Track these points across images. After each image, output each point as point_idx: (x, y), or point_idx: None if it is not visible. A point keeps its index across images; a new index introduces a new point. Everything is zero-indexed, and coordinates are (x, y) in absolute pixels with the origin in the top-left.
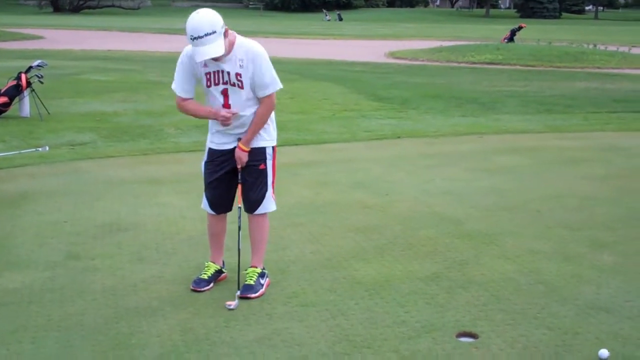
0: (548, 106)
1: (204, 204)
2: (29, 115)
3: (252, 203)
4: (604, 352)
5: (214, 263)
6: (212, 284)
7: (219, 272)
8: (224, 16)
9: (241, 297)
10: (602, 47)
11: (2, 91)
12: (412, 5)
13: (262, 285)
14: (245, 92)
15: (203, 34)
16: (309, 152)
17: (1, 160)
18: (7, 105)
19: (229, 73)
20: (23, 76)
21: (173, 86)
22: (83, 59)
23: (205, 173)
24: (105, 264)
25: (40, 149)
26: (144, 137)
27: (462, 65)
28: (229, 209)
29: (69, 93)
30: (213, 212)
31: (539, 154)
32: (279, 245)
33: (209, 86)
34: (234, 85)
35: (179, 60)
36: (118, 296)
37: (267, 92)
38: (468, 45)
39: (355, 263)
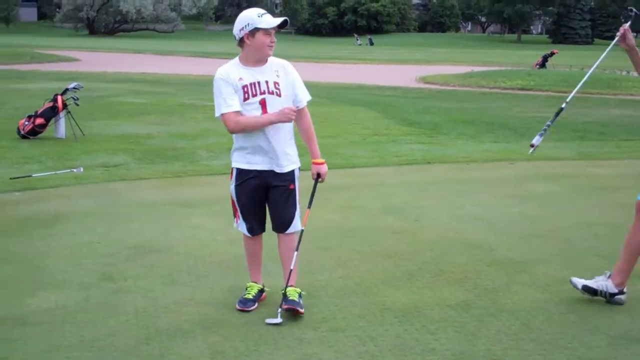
0: (581, 133)
1: (241, 227)
2: (64, 137)
3: (285, 222)
4: None
5: (255, 283)
6: (257, 304)
7: (261, 291)
8: None
9: (289, 309)
10: (635, 74)
11: (39, 112)
12: (443, 30)
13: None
14: (283, 101)
15: (264, 12)
16: (339, 176)
17: (37, 180)
18: (43, 126)
19: (267, 82)
20: (59, 98)
21: (220, 111)
22: (117, 81)
23: (240, 197)
24: (137, 285)
25: (74, 170)
26: (177, 160)
27: (493, 90)
28: (264, 229)
29: (103, 115)
30: (250, 235)
31: (571, 181)
32: (308, 270)
33: (246, 99)
34: (272, 93)
35: (218, 81)
36: (149, 318)
37: (306, 99)
38: (499, 71)
39: (385, 289)
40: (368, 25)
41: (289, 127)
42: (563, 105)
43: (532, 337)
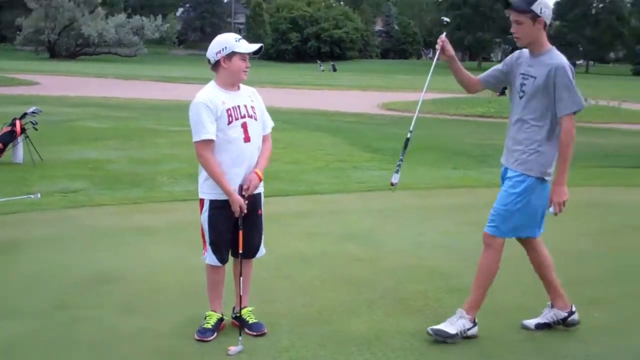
0: None
1: (211, 259)
2: (22, 162)
3: (254, 248)
4: None
5: (215, 312)
6: (216, 333)
7: (220, 320)
8: None
9: (258, 335)
10: (593, 102)
11: None
12: (405, 57)
13: None
14: (259, 125)
15: (241, 37)
16: (301, 202)
17: None
18: (1, 151)
19: (245, 106)
20: (17, 122)
21: (200, 137)
22: (78, 105)
23: (213, 227)
24: (93, 314)
25: (32, 196)
26: (137, 186)
27: (454, 117)
28: (228, 258)
29: (63, 140)
30: (220, 264)
31: None
32: (269, 297)
33: (230, 122)
34: (251, 117)
35: (199, 106)
36: (105, 348)
37: (271, 126)
38: (460, 98)
39: (346, 317)
40: (331, 52)
41: (258, 154)
42: (409, 135)
43: None
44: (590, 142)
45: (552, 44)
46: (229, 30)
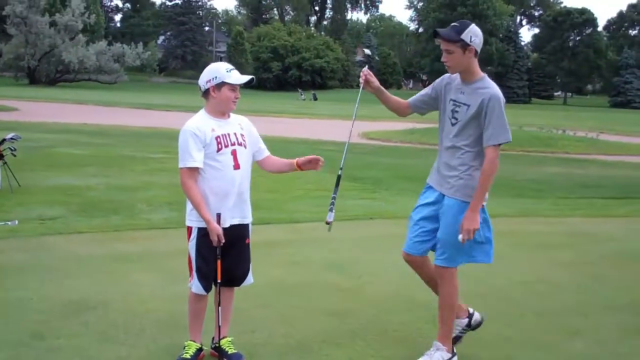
0: (518, 190)
1: (197, 288)
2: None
3: (240, 277)
4: None
5: (194, 342)
6: None
7: (199, 350)
8: (199, 93)
9: None
10: (571, 133)
11: None
12: (385, 87)
13: None
14: (248, 153)
15: (232, 68)
16: (281, 231)
17: None
18: None
19: (235, 134)
20: None
21: (182, 163)
22: (57, 131)
23: (200, 255)
24: (71, 344)
25: (9, 222)
26: (116, 213)
27: (433, 147)
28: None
29: (41, 166)
30: (205, 293)
31: (510, 238)
32: (249, 327)
33: (219, 149)
34: (240, 144)
35: (187, 134)
36: None
37: (267, 152)
38: None
39: (327, 347)
40: (312, 81)
41: (248, 182)
42: (339, 172)
43: None
44: (569, 172)
45: (530, 75)
46: (210, 59)
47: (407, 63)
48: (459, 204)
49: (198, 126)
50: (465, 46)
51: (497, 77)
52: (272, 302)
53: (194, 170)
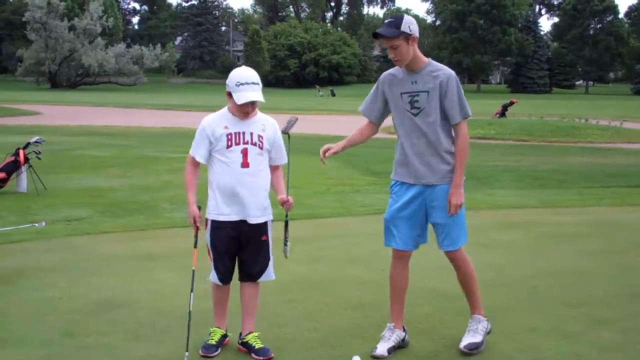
0: (542, 181)
1: (212, 277)
2: (26, 191)
3: (257, 272)
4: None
5: (219, 328)
6: (219, 349)
7: (224, 336)
8: (217, 93)
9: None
10: (594, 122)
11: (0, 167)
12: None
13: None
14: (263, 154)
15: (251, 82)
16: (304, 227)
17: None
18: (4, 180)
19: (251, 134)
20: (21, 152)
21: (192, 152)
22: (80, 134)
23: (214, 245)
24: (100, 341)
25: (36, 224)
26: (140, 213)
27: None
28: (232, 279)
29: (65, 169)
30: (220, 284)
31: (535, 229)
32: (275, 323)
33: (229, 146)
34: (254, 145)
35: (200, 128)
36: None
37: (282, 162)
38: None
39: (353, 340)
40: (329, 77)
41: (264, 179)
42: (286, 218)
43: None
44: (592, 162)
45: (551, 65)
46: (227, 58)
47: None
48: (448, 188)
49: (211, 122)
50: (407, 37)
51: (516, 67)
52: (298, 297)
53: (195, 160)
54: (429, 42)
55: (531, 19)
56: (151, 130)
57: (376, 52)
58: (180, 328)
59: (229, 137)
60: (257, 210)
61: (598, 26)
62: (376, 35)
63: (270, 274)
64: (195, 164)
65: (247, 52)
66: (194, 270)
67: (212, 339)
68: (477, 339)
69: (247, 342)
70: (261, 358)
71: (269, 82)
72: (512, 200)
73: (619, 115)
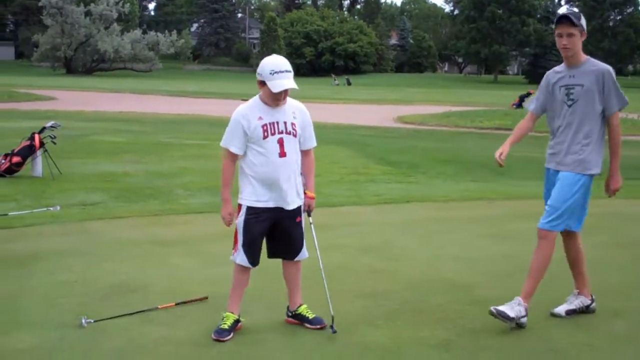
0: None
1: (242, 259)
2: (41, 175)
3: (295, 251)
4: None
5: (232, 313)
6: (232, 334)
7: (237, 321)
8: (233, 80)
9: (320, 328)
10: None
11: (16, 151)
12: (420, 71)
13: None
14: (296, 142)
15: (284, 70)
16: (317, 215)
17: (13, 219)
18: (20, 165)
19: (285, 122)
20: (36, 137)
21: (224, 143)
22: (95, 120)
23: (248, 230)
24: (114, 324)
25: (51, 208)
26: (154, 198)
27: (471, 130)
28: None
29: (80, 154)
30: (250, 266)
31: None
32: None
33: (265, 137)
34: (289, 133)
35: (233, 120)
36: (127, 357)
37: (312, 145)
38: (477, 111)
39: (365, 328)
40: (345, 66)
41: (298, 165)
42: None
43: None
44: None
45: None
46: (244, 45)
47: (442, 46)
48: (573, 176)
49: (245, 113)
50: (582, 31)
51: (535, 58)
52: (311, 285)
53: (231, 153)
54: (446, 32)
55: (550, 9)
56: (166, 116)
57: (393, 42)
58: (194, 313)
59: (265, 127)
60: (294, 196)
61: (618, 17)
62: (563, 18)
63: (305, 253)
64: (234, 158)
65: (263, 40)
66: None
67: (225, 324)
68: (510, 313)
69: (299, 313)
70: (317, 326)
71: None
72: (528, 190)
73: (636, 108)
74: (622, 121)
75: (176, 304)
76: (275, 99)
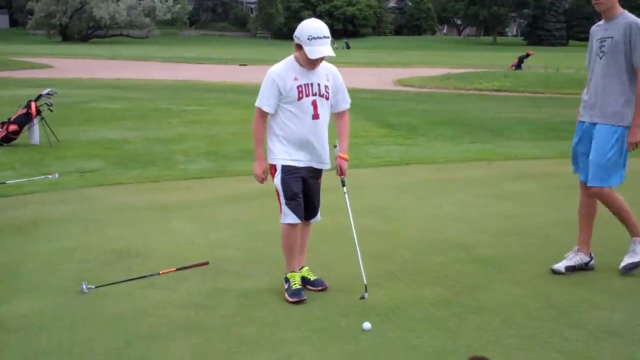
0: (557, 132)
1: (291, 218)
2: (38, 143)
3: (315, 213)
4: (367, 325)
5: (295, 272)
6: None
7: (302, 278)
8: (231, 45)
9: (321, 290)
10: None
11: (12, 119)
12: (419, 33)
13: None
14: (328, 104)
15: (323, 36)
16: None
17: (11, 187)
18: (17, 133)
19: (319, 85)
20: (33, 104)
21: (258, 103)
22: (92, 87)
23: (288, 186)
24: (115, 289)
25: (49, 176)
26: (153, 164)
27: (470, 92)
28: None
29: (78, 121)
30: (299, 221)
31: (549, 179)
32: None
33: (300, 98)
34: (322, 96)
35: (269, 79)
36: (129, 321)
37: (347, 105)
38: (476, 73)
39: (368, 288)
40: (344, 29)
41: (326, 130)
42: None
43: (512, 333)
44: None
45: (568, 17)
46: (241, 10)
47: (441, 8)
48: (609, 128)
49: (280, 73)
50: None
51: (533, 19)
52: (312, 247)
53: (264, 112)
54: None
55: None
56: (164, 82)
57: (392, 4)
58: (194, 277)
59: (300, 89)
60: (324, 157)
61: None
62: None
63: (319, 216)
64: (264, 117)
65: (261, 4)
66: None
67: (294, 284)
68: (635, 258)
69: (302, 275)
70: (319, 288)
71: (283, 34)
72: (526, 151)
73: None
74: None
75: (177, 269)
76: (312, 64)
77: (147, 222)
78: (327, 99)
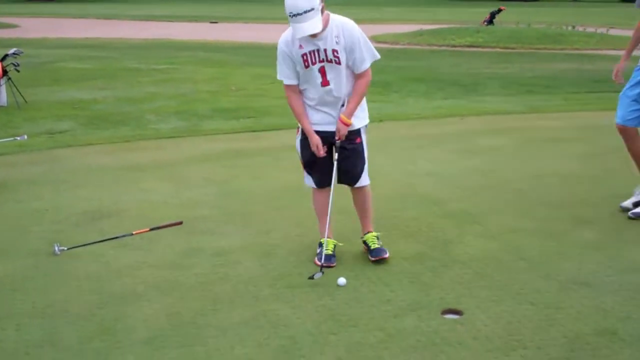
0: (528, 87)
1: (308, 181)
2: (6, 104)
3: (353, 177)
4: (341, 280)
5: (330, 239)
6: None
7: (364, 242)
8: (201, 2)
9: (376, 260)
10: (581, 29)
11: None
12: None
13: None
14: (342, 67)
15: (302, 11)
16: (293, 135)
17: None
18: None
19: (325, 50)
20: None
21: (279, 76)
22: (59, 47)
23: (304, 150)
24: (88, 250)
25: (18, 137)
26: (124, 124)
27: (442, 48)
28: (330, 182)
29: (46, 81)
30: (315, 186)
31: (521, 134)
32: (264, 229)
33: (307, 67)
34: (330, 62)
35: (279, 50)
36: (102, 282)
37: (365, 65)
38: (448, 29)
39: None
40: None
41: (345, 92)
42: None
43: (485, 285)
44: (579, 68)
45: None
46: None
47: None
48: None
49: (287, 41)
50: None
51: None
52: (286, 205)
53: (289, 85)
54: None
55: None
56: (133, 41)
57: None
58: (168, 237)
59: (305, 57)
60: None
61: None
62: None
63: (365, 179)
64: (295, 89)
65: None
66: None
67: (328, 249)
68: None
69: (365, 241)
70: (372, 258)
71: None
72: (498, 106)
73: (605, 23)
74: (591, 35)
75: (150, 229)
76: (306, 40)
77: (119, 182)
78: (339, 63)
